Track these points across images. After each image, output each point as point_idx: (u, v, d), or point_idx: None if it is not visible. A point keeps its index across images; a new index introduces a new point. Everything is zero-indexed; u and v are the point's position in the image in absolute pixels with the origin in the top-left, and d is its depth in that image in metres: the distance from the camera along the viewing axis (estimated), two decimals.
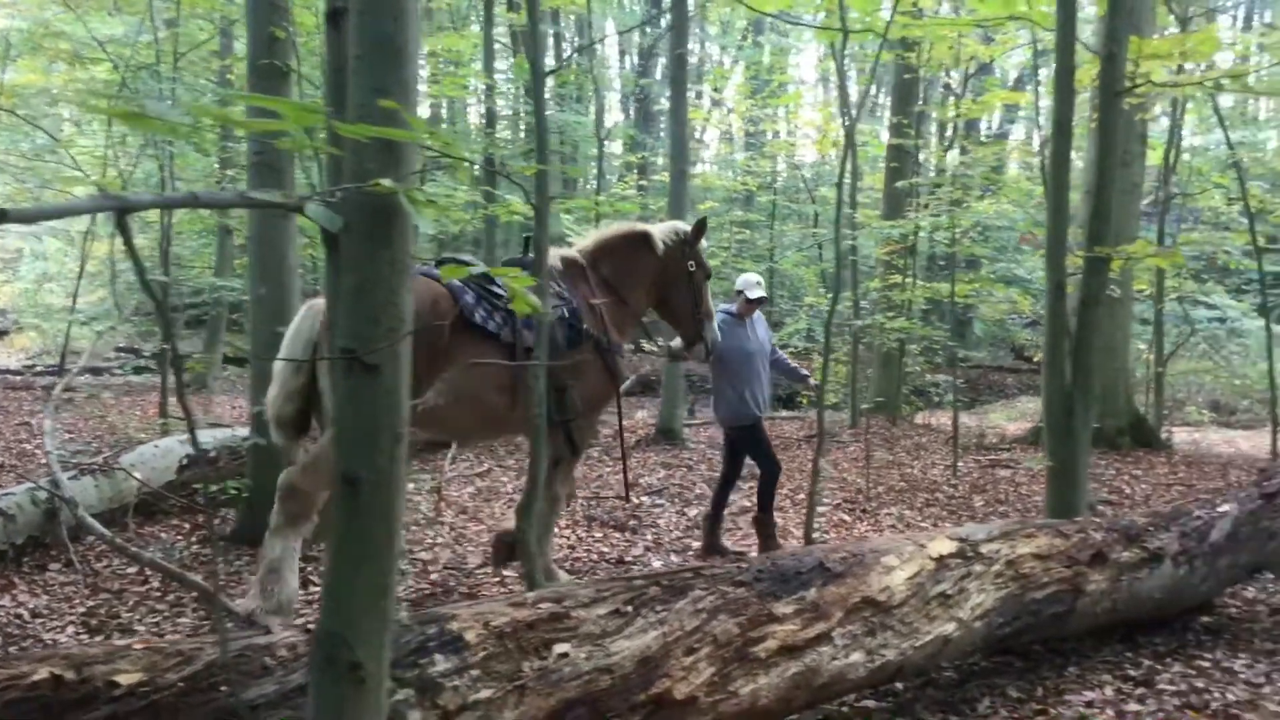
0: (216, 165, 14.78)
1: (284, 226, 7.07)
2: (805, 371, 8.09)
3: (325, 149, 2.09)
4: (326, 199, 1.97)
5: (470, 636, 2.94)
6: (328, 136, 2.16)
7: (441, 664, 2.82)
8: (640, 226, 6.60)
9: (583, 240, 6.57)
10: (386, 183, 1.82)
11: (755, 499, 7.67)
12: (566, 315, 5.85)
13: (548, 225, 5.13)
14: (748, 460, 7.74)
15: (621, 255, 6.39)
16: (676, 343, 7.32)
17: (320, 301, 5.30)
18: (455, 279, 5.39)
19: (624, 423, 6.89)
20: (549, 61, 24.88)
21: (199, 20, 15.14)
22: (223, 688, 2.55)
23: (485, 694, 2.85)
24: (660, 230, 6.53)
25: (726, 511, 7.86)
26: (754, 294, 7.40)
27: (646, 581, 3.60)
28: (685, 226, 6.65)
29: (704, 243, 6.73)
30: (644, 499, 9.22)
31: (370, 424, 2.13)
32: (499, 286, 5.62)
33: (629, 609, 3.38)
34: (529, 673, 2.97)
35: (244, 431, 7.87)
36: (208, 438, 8.29)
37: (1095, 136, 6.45)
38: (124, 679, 2.58)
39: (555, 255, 6.23)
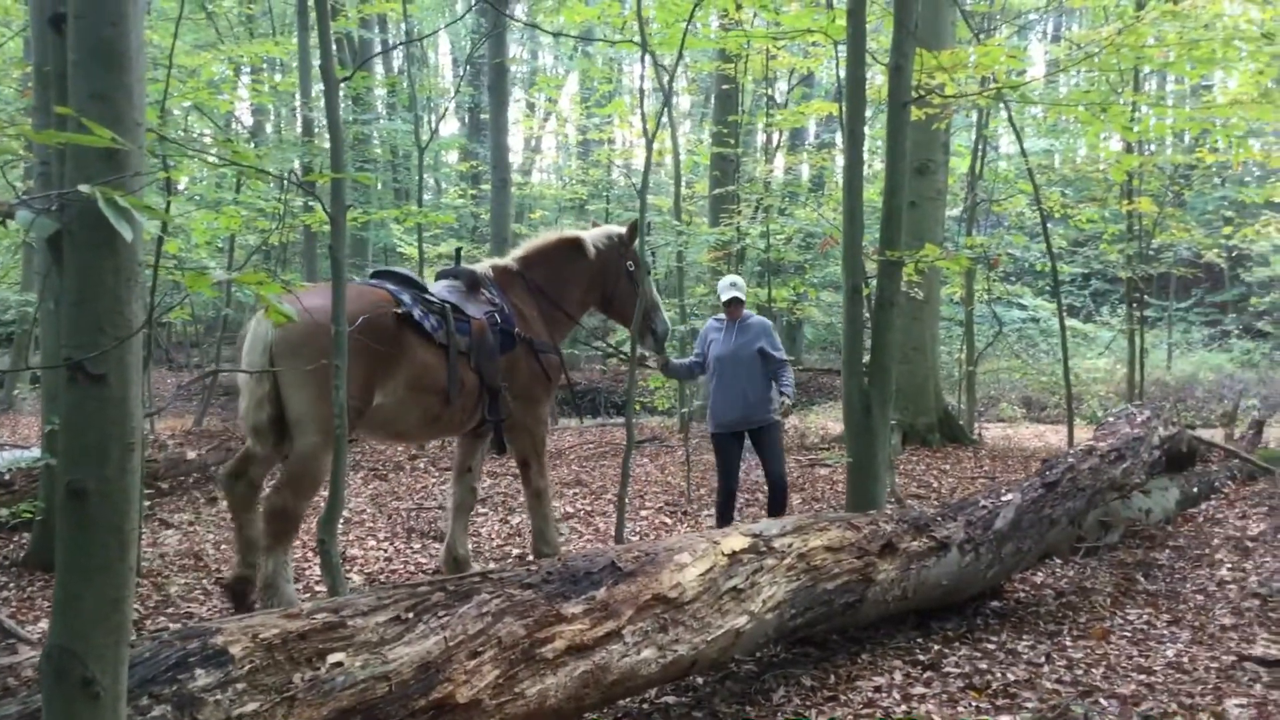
0: (21, 176, 14.11)
1: None
2: (787, 391, 7.25)
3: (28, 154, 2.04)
4: (36, 206, 1.93)
5: (236, 650, 2.90)
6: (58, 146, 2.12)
7: (203, 679, 2.77)
8: (571, 233, 6.85)
9: (516, 249, 6.81)
10: (85, 188, 1.80)
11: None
12: (499, 320, 6.05)
13: (345, 235, 5.09)
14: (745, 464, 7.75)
15: (553, 261, 6.63)
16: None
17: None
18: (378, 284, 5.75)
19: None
20: (378, 70, 24.55)
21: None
22: None
23: (251, 707, 2.81)
24: (592, 235, 6.77)
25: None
26: (725, 295, 7.35)
27: (431, 587, 3.61)
28: (620, 229, 6.90)
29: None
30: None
31: (98, 434, 2.09)
32: (430, 294, 5.88)
33: (410, 615, 3.38)
34: (300, 684, 2.95)
35: (39, 452, 7.56)
36: None
37: (885, 145, 6.70)
38: None
39: (487, 264, 6.56)
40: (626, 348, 7.34)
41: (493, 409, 6.04)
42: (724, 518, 7.32)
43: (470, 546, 7.59)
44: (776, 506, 7.28)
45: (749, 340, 7.26)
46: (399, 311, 5.55)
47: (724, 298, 7.33)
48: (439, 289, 6.10)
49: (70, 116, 1.99)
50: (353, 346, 5.15)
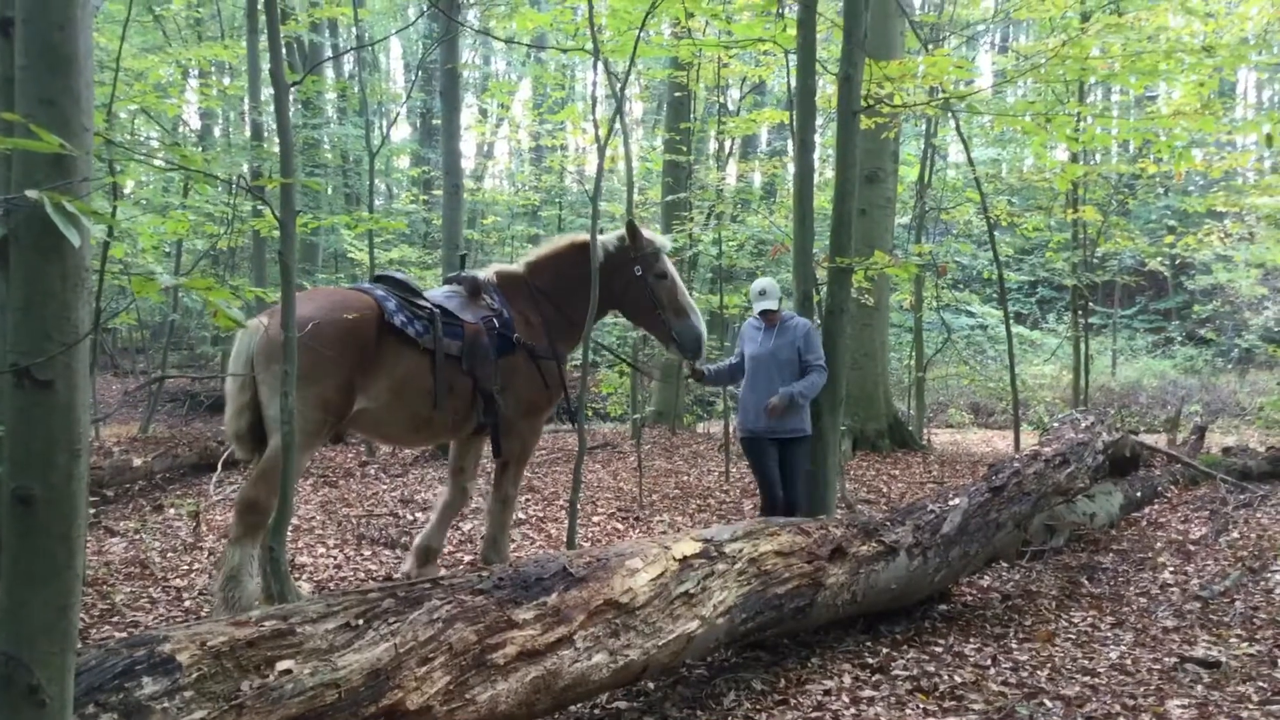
0: None
1: None
2: (794, 389, 6.64)
3: None
4: None
5: (183, 657, 2.88)
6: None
7: (150, 687, 2.76)
8: (580, 238, 6.68)
9: (527, 254, 6.76)
10: (33, 194, 1.80)
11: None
12: (497, 325, 6.06)
13: (294, 240, 5.07)
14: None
15: (561, 267, 6.53)
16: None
17: (259, 319, 5.65)
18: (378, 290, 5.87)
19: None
20: (329, 75, 24.38)
21: None
22: None
23: (199, 715, 2.80)
24: (601, 239, 6.60)
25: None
26: (757, 307, 6.87)
27: (381, 594, 3.60)
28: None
29: (664, 243, 6.72)
30: (419, 515, 9.14)
31: (45, 441, 2.08)
32: (422, 299, 5.93)
33: (360, 622, 3.37)
34: (248, 691, 2.93)
35: None
36: None
37: (835, 153, 6.77)
38: None
39: (492, 270, 6.53)
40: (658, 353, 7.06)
41: (488, 412, 6.06)
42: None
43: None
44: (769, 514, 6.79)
45: (787, 343, 6.78)
46: (381, 317, 5.63)
47: (756, 309, 6.90)
48: (438, 294, 6.15)
49: (18, 122, 1.97)
50: (333, 352, 5.36)
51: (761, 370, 6.82)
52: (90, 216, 1.96)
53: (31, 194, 1.82)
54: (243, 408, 5.55)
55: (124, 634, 5.28)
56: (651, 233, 6.71)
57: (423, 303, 5.92)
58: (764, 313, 6.86)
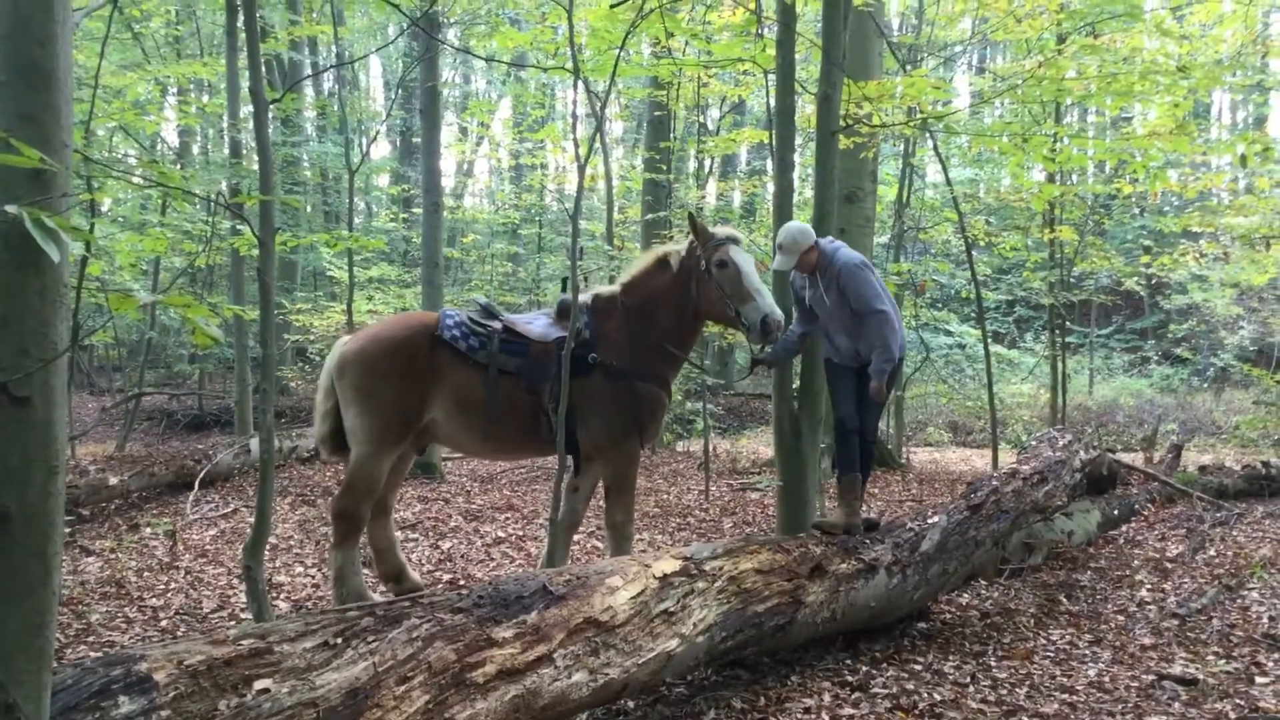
0: None
1: None
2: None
3: None
4: None
5: (160, 677, 2.86)
6: None
7: (126, 706, 2.74)
8: (660, 250, 6.65)
9: (623, 274, 6.80)
10: (11, 208, 1.79)
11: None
12: (574, 345, 6.01)
13: (273, 258, 5.08)
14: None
15: (647, 282, 6.46)
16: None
17: (346, 336, 6.39)
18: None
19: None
20: (308, 92, 24.36)
21: None
22: None
23: None
24: (675, 247, 6.57)
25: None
26: (774, 264, 6.36)
27: (360, 612, 3.58)
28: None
29: (729, 231, 6.34)
30: (396, 534, 9.09)
31: (21, 457, 2.07)
32: (496, 320, 6.24)
33: (339, 641, 3.36)
34: (226, 711, 2.91)
35: None
36: None
37: (814, 172, 6.80)
38: None
39: (590, 292, 6.58)
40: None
41: (551, 430, 6.06)
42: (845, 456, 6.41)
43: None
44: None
45: (835, 293, 6.22)
46: (433, 332, 6.04)
47: (774, 267, 6.40)
48: (524, 317, 6.43)
49: (19, 133, 1.97)
50: (394, 367, 5.94)
51: (831, 325, 6.41)
52: (69, 232, 1.95)
53: (10, 208, 1.82)
54: (326, 414, 6.24)
55: (100, 653, 5.24)
56: (718, 227, 6.41)
57: (490, 322, 6.17)
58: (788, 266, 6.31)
